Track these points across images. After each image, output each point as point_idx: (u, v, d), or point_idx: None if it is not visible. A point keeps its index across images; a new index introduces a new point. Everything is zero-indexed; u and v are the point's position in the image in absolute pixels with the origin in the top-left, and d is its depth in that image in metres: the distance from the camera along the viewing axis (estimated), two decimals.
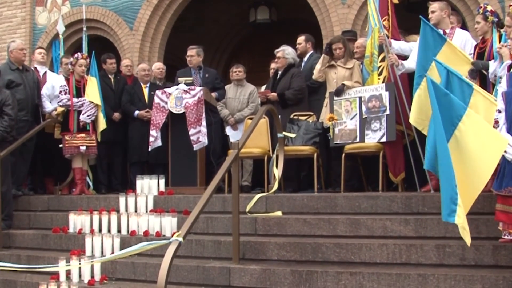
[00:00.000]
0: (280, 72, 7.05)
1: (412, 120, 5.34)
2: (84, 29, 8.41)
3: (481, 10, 5.43)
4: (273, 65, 7.78)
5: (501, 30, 5.27)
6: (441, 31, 5.55)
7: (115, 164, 7.67)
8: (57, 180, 7.40)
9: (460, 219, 3.69)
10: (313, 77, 6.66)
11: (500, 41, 5.21)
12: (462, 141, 3.75)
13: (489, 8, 5.41)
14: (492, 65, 5.15)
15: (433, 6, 5.81)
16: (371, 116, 6.01)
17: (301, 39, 7.28)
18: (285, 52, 6.99)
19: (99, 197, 6.52)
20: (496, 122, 4.33)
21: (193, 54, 7.32)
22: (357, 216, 5.00)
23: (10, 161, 6.44)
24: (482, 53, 5.44)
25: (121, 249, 5.13)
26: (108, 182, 7.61)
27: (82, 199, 6.47)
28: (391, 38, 6.03)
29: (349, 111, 6.19)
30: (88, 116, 6.93)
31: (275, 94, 6.82)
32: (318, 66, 6.57)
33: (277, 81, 7.01)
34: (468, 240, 3.71)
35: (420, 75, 5.24)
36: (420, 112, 5.21)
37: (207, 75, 7.35)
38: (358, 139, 6.06)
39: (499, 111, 4.31)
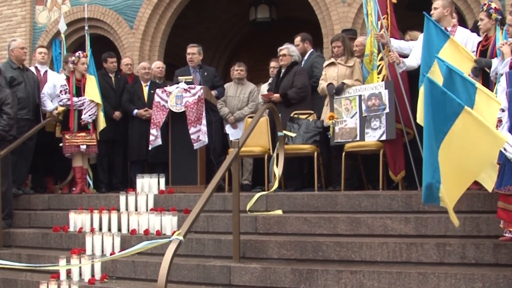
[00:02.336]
0: (283, 70, 7.03)
1: (419, 119, 5.31)
2: (86, 28, 8.42)
3: (485, 7, 5.41)
4: (273, 64, 7.77)
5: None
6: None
7: (115, 163, 7.68)
8: (57, 179, 7.41)
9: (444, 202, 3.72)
10: (319, 91, 6.63)
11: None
12: (459, 136, 3.75)
13: (493, 5, 5.39)
14: (494, 63, 5.13)
15: (436, 3, 5.78)
16: (371, 114, 6.00)
17: (297, 40, 7.26)
18: (290, 49, 6.96)
19: (99, 196, 6.52)
20: (500, 121, 4.32)
21: (195, 53, 7.28)
22: (357, 214, 5.00)
23: (11, 160, 6.44)
24: (485, 50, 5.41)
25: (121, 248, 5.16)
26: (108, 181, 7.61)
27: (83, 198, 6.47)
28: (390, 37, 6.01)
29: (349, 109, 6.19)
30: (89, 115, 6.94)
31: (277, 95, 6.79)
32: (323, 85, 6.53)
33: (280, 79, 6.99)
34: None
35: (425, 72, 5.22)
36: None
37: (206, 73, 7.32)
38: (358, 138, 6.06)
39: (503, 110, 4.30)
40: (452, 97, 3.77)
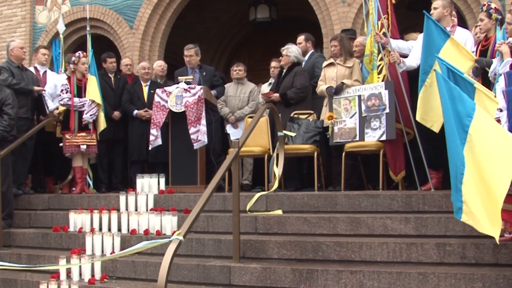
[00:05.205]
0: (284, 71, 7.02)
1: (418, 117, 5.32)
2: (88, 28, 8.42)
3: (485, 8, 5.41)
4: (273, 64, 7.79)
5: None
6: None
7: (115, 163, 7.68)
8: (57, 179, 7.41)
9: (467, 217, 3.71)
10: (317, 92, 6.62)
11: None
12: (477, 140, 3.73)
13: (493, 5, 5.39)
14: (494, 63, 5.13)
15: (436, 3, 5.77)
16: (370, 114, 6.00)
17: (300, 38, 7.28)
18: (288, 50, 6.94)
19: (99, 196, 6.52)
20: (498, 121, 4.31)
21: (192, 54, 7.24)
22: (357, 214, 5.00)
23: (11, 160, 6.43)
24: (485, 50, 5.41)
25: (121, 248, 5.16)
26: (108, 181, 7.61)
27: (83, 198, 6.47)
28: (391, 37, 6.00)
29: (348, 109, 6.18)
30: (90, 115, 6.94)
31: (277, 94, 6.79)
32: (322, 86, 6.54)
33: (281, 80, 6.98)
34: (495, 235, 3.68)
35: (425, 72, 5.21)
36: (428, 108, 5.20)
37: (204, 73, 7.30)
38: (357, 138, 6.05)
39: (500, 110, 4.30)
40: (463, 94, 3.80)
